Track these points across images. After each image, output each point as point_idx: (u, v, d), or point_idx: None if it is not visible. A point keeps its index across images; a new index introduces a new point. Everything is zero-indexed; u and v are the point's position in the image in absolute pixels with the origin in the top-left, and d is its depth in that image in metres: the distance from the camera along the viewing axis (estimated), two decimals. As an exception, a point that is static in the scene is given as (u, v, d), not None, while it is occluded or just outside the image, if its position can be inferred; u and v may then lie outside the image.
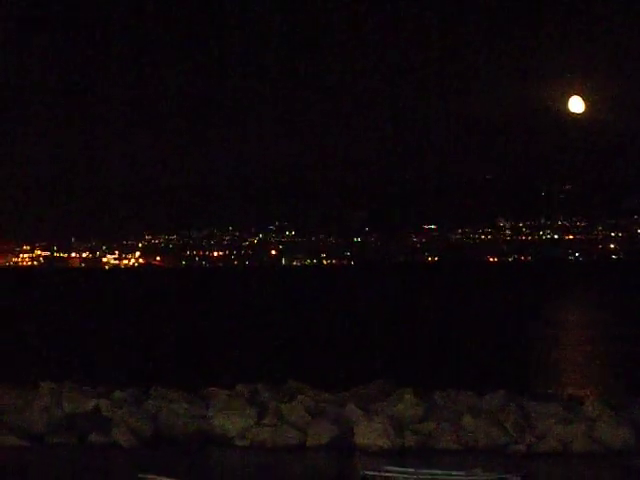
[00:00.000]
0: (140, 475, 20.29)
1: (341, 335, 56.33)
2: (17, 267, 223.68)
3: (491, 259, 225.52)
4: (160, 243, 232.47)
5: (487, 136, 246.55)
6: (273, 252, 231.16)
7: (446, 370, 37.51)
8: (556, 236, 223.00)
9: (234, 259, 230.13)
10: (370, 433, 23.12)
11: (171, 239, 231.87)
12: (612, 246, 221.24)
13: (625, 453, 21.68)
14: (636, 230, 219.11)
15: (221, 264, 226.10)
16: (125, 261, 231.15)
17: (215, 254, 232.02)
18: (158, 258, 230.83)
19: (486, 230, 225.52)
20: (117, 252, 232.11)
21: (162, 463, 21.84)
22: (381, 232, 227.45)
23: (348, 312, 77.19)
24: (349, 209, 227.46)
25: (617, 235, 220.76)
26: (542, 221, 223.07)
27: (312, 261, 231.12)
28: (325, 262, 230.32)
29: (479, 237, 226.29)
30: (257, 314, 75.45)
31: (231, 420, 24.43)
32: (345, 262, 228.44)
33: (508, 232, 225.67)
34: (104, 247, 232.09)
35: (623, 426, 22.53)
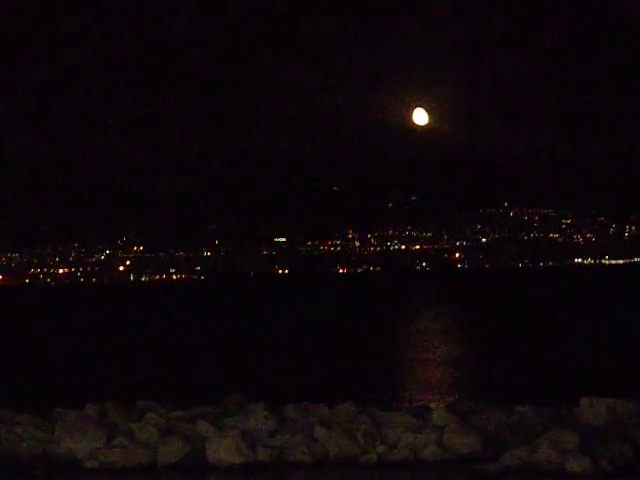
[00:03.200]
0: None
1: (195, 350, 55.88)
2: None
3: (341, 270, 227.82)
4: (3, 261, 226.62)
5: (332, 147, 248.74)
6: (121, 268, 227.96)
7: (298, 383, 37.56)
8: (403, 247, 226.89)
9: (80, 276, 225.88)
10: (222, 449, 22.91)
11: (14, 257, 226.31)
12: (457, 255, 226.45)
13: (472, 459, 22.09)
14: (480, 239, 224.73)
15: (67, 281, 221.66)
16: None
17: (61, 271, 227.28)
18: (1, 277, 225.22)
19: (335, 242, 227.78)
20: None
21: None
22: (231, 246, 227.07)
23: (201, 326, 76.71)
24: (198, 223, 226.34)
25: (462, 244, 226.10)
26: (390, 232, 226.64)
27: (161, 276, 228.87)
28: (175, 277, 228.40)
29: (328, 249, 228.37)
30: (104, 331, 74.22)
31: (78, 442, 23.84)
32: (195, 276, 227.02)
33: (357, 243, 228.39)
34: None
35: (470, 433, 22.95)
